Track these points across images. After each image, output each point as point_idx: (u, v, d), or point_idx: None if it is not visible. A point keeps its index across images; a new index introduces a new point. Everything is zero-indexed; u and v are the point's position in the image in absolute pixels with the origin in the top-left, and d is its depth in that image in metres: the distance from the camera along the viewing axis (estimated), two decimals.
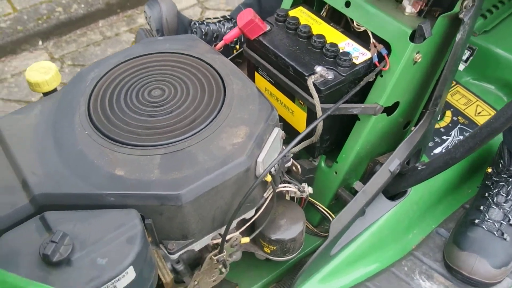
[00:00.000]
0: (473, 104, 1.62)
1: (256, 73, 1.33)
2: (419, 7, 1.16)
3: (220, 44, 1.28)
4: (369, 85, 1.21)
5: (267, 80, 1.30)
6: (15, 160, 0.99)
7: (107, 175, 0.94)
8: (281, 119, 1.32)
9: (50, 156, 0.99)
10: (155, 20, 1.48)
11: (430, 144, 1.50)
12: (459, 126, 1.56)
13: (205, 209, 0.96)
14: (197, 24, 1.59)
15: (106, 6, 3.03)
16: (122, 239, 0.87)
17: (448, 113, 1.59)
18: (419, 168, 1.25)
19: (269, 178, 1.02)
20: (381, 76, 1.18)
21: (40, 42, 2.86)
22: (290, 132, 1.25)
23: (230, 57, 1.36)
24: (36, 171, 0.96)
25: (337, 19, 1.36)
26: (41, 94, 1.13)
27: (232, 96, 1.07)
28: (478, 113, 1.59)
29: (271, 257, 1.21)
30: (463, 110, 1.61)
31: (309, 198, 1.33)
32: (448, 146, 1.51)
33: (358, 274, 1.33)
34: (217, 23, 1.63)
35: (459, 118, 1.58)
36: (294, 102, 1.24)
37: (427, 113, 1.22)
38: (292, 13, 1.32)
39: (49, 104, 1.09)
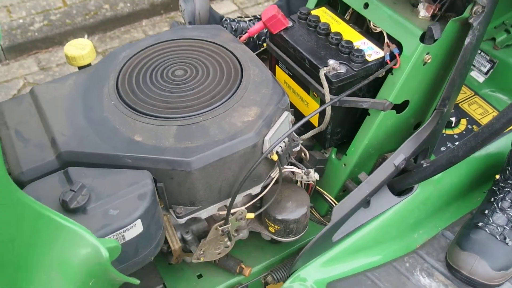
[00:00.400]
0: (489, 114, 1.66)
1: (276, 66, 1.42)
2: (432, 11, 1.22)
3: (245, 37, 1.37)
4: (382, 82, 1.28)
5: (286, 73, 1.38)
6: (47, 121, 1.10)
7: (126, 139, 1.04)
8: (296, 110, 1.40)
9: (78, 120, 1.09)
10: (188, 13, 1.59)
11: (442, 149, 1.55)
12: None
13: (212, 178, 1.05)
14: (228, 20, 1.69)
15: (151, 6, 3.18)
16: (134, 195, 0.96)
17: (463, 121, 1.63)
18: (424, 166, 1.30)
19: (275, 157, 1.10)
20: (392, 74, 1.25)
21: (86, 36, 3.03)
22: (304, 124, 1.33)
23: (256, 53, 1.44)
24: (64, 132, 1.07)
25: (360, 23, 1.43)
26: (77, 68, 1.25)
27: (248, 80, 1.16)
28: None
29: (275, 237, 1.28)
30: (479, 119, 1.65)
31: (318, 187, 1.40)
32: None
33: (359, 263, 1.38)
34: (247, 21, 1.72)
35: (474, 126, 1.62)
36: (308, 94, 1.32)
37: (434, 112, 1.28)
38: (314, 12, 1.40)
39: (82, 76, 1.20)
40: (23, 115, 1.13)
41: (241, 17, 1.78)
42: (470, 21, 1.16)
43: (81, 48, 1.22)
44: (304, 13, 1.37)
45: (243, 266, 1.31)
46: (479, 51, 1.76)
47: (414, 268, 1.44)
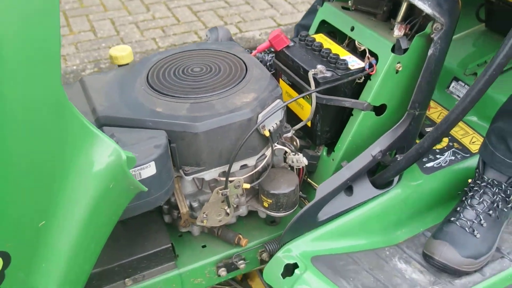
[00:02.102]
0: (469, 135, 1.89)
1: (280, 79, 1.71)
2: (404, 30, 1.51)
3: (254, 52, 1.68)
4: (363, 87, 1.55)
5: (287, 84, 1.68)
6: (90, 97, 1.41)
7: (149, 109, 1.34)
8: (293, 114, 1.68)
9: (114, 97, 1.40)
10: (212, 41, 1.92)
11: (424, 159, 1.77)
12: (453, 149, 1.82)
13: (214, 142, 1.32)
14: (250, 51, 2.02)
15: None
16: (151, 145, 1.25)
17: (446, 140, 1.86)
18: (398, 159, 1.54)
19: (267, 133, 1.37)
20: (370, 79, 1.52)
21: None
22: (294, 120, 1.61)
23: None
24: (102, 103, 1.38)
25: (352, 47, 1.73)
26: (117, 66, 1.58)
27: (250, 76, 1.46)
28: (473, 142, 1.85)
29: (268, 212, 1.52)
30: (460, 139, 1.88)
31: (309, 180, 1.64)
32: (440, 163, 1.77)
33: (343, 245, 1.58)
34: (262, 53, 2.04)
35: (455, 144, 1.85)
36: (304, 97, 1.60)
37: (406, 113, 1.53)
38: (312, 35, 1.71)
39: (121, 71, 1.53)
40: (72, 94, 1.45)
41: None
42: (432, 36, 1.44)
43: (122, 51, 1.55)
44: (303, 35, 1.68)
45: (241, 237, 1.53)
46: (463, 84, 2.02)
47: (393, 256, 1.63)
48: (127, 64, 1.57)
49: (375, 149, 1.52)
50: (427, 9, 1.38)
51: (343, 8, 1.70)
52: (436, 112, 2.00)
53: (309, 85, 1.52)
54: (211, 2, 4.27)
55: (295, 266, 1.47)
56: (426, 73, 1.48)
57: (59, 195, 1.01)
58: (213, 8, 4.17)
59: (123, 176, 1.04)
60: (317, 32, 1.78)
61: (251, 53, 1.70)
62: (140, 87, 1.43)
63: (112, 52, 1.55)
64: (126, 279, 1.44)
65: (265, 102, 1.38)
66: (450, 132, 1.90)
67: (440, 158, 1.79)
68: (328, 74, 1.51)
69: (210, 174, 1.38)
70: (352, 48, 1.65)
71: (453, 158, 1.80)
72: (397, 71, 1.51)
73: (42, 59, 0.87)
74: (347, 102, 1.52)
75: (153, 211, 1.56)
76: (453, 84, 2.05)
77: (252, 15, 4.07)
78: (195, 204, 1.47)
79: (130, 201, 1.20)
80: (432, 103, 2.05)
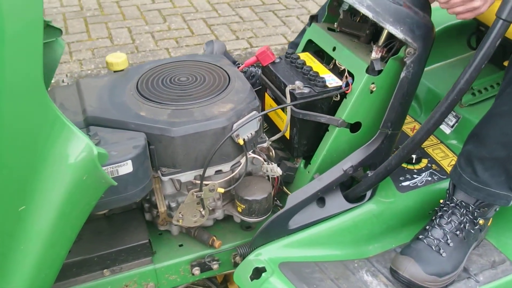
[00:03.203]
0: (449, 158, 1.96)
1: (265, 93, 1.81)
2: (380, 53, 1.59)
3: (242, 67, 1.79)
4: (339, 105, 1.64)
5: (271, 98, 1.77)
6: (83, 99, 1.53)
7: (134, 113, 1.45)
8: (274, 125, 1.77)
9: (104, 100, 1.52)
10: (208, 53, 2.03)
11: (400, 178, 1.84)
12: (430, 170, 1.89)
13: (190, 147, 1.42)
14: (239, 64, 2.12)
15: None
16: (130, 145, 1.35)
17: (425, 161, 1.93)
18: (369, 175, 1.61)
19: (241, 142, 1.46)
20: (346, 98, 1.61)
21: None
22: (277, 132, 1.70)
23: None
24: (92, 105, 1.49)
25: (336, 68, 1.82)
26: (113, 72, 1.69)
27: (231, 88, 1.56)
28: (451, 165, 1.92)
29: (241, 217, 1.61)
30: (439, 161, 1.95)
31: (285, 189, 1.73)
32: (416, 183, 1.84)
33: (312, 254, 1.65)
34: (256, 66, 2.15)
35: (433, 165, 1.92)
36: (283, 110, 1.69)
37: (378, 132, 1.61)
38: (298, 54, 1.80)
39: (115, 76, 1.65)
40: (68, 95, 1.57)
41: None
42: (404, 60, 1.53)
43: (117, 58, 1.67)
44: (289, 53, 1.78)
45: (214, 239, 1.62)
46: None
47: (361, 268, 1.70)
48: (122, 70, 1.68)
49: (346, 164, 1.60)
50: (399, 34, 1.47)
51: (329, 29, 1.80)
52: None
53: (286, 98, 1.61)
54: (226, 17, 4.40)
55: (264, 270, 1.55)
56: (399, 95, 1.56)
57: (37, 182, 1.12)
58: (227, 23, 4.30)
59: (94, 170, 1.14)
60: (304, 50, 1.87)
61: (239, 66, 1.80)
62: (129, 92, 1.54)
63: (108, 59, 1.67)
64: (104, 270, 1.54)
65: (241, 113, 1.48)
66: (430, 154, 1.98)
67: (417, 178, 1.86)
68: (306, 90, 1.60)
69: (186, 177, 1.48)
70: (336, 69, 1.74)
71: (429, 178, 1.86)
72: (371, 91, 1.59)
73: (22, 51, 0.98)
74: (323, 118, 1.61)
75: (135, 208, 1.67)
76: None
77: (264, 31, 4.19)
78: (173, 204, 1.57)
79: (108, 195, 1.31)
80: (417, 125, 2.13)
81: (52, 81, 1.77)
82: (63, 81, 1.81)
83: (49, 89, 1.63)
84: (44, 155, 1.10)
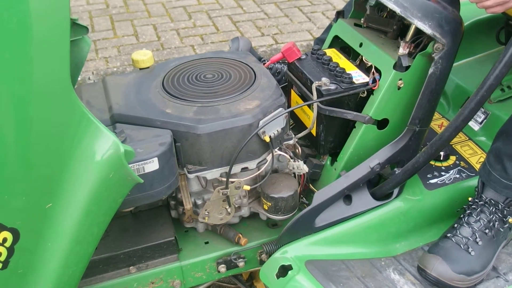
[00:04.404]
0: (478, 155, 1.92)
1: (291, 90, 1.80)
2: (408, 49, 1.57)
3: (268, 63, 1.78)
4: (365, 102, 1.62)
5: (298, 95, 1.76)
6: (109, 97, 1.54)
7: (160, 110, 1.45)
8: (301, 122, 1.76)
9: (130, 97, 1.52)
10: (233, 50, 2.03)
11: (428, 175, 1.81)
12: (458, 168, 1.86)
13: (216, 144, 1.42)
14: (265, 61, 2.11)
15: None
16: (156, 142, 1.36)
17: (453, 158, 1.90)
18: (396, 173, 1.59)
19: (267, 139, 1.45)
20: (373, 94, 1.59)
21: None
22: (303, 129, 1.69)
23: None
24: (118, 102, 1.50)
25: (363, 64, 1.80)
26: (138, 69, 1.70)
27: (257, 85, 1.55)
28: (479, 162, 1.88)
29: (268, 214, 1.60)
30: (467, 158, 1.91)
31: (311, 186, 1.72)
32: (444, 180, 1.81)
33: (338, 252, 1.63)
34: (281, 63, 2.13)
35: (461, 162, 1.89)
36: (309, 107, 1.68)
37: (406, 129, 1.59)
38: (324, 50, 1.79)
39: (141, 73, 1.65)
40: (94, 92, 1.58)
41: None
42: (433, 55, 1.50)
43: (143, 55, 1.68)
44: (315, 49, 1.76)
45: (240, 236, 1.62)
46: None
47: (388, 266, 1.68)
48: (148, 67, 1.69)
49: (374, 161, 1.58)
50: (427, 29, 1.44)
51: (356, 25, 1.78)
52: None
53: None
54: (251, 13, 4.39)
55: (290, 268, 1.54)
56: (427, 91, 1.54)
57: (64, 180, 1.13)
58: (252, 19, 4.30)
59: (121, 168, 1.15)
60: (330, 46, 1.86)
61: (265, 63, 1.79)
62: (155, 90, 1.55)
63: (134, 56, 1.67)
64: (131, 267, 1.55)
65: (267, 110, 1.47)
66: (458, 151, 1.94)
67: (445, 175, 1.83)
68: (332, 86, 1.58)
69: (212, 174, 1.48)
70: (363, 66, 1.72)
71: (457, 176, 1.83)
72: (399, 88, 1.57)
73: (50, 51, 0.99)
74: (349, 114, 1.59)
75: (161, 205, 1.68)
76: None
77: (289, 27, 4.17)
78: (199, 202, 1.57)
79: (134, 192, 1.32)
80: (445, 122, 2.09)
81: (79, 79, 1.79)
82: (89, 79, 1.82)
83: (75, 86, 1.65)
84: (71, 153, 1.11)
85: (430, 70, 1.51)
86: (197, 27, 4.19)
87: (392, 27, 1.68)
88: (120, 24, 4.19)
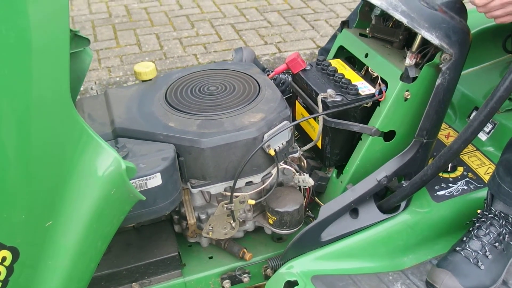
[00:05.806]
0: (485, 166, 1.89)
1: (296, 101, 1.77)
2: (415, 60, 1.54)
3: (272, 74, 1.75)
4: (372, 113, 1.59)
5: (302, 106, 1.73)
6: (111, 110, 1.51)
7: (163, 124, 1.43)
8: (306, 134, 1.73)
9: (132, 111, 1.50)
10: (237, 60, 2.01)
11: (436, 187, 1.78)
12: (466, 179, 1.83)
13: (220, 158, 1.39)
14: (269, 71, 2.09)
15: None
16: (159, 157, 1.33)
17: (460, 169, 1.87)
18: (404, 186, 1.56)
19: (272, 152, 1.43)
20: (379, 106, 1.56)
21: None
22: (308, 141, 1.66)
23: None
24: (120, 116, 1.48)
25: (368, 75, 1.77)
26: (141, 81, 1.68)
27: (262, 97, 1.53)
28: (488, 173, 1.85)
29: (273, 228, 1.57)
30: (475, 169, 1.88)
31: (317, 199, 1.69)
32: (452, 192, 1.78)
33: (345, 266, 1.60)
34: (285, 74, 2.11)
35: (469, 173, 1.85)
36: (315, 119, 1.65)
37: (413, 141, 1.56)
38: (329, 60, 1.76)
39: (143, 86, 1.63)
40: (96, 105, 1.56)
41: None
42: (440, 66, 1.47)
43: (146, 67, 1.65)
44: (320, 60, 1.74)
45: (245, 251, 1.59)
46: None
47: (396, 281, 1.65)
48: (150, 79, 1.67)
49: (381, 174, 1.55)
50: (434, 40, 1.42)
51: (361, 35, 1.75)
52: None
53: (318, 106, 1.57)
54: (254, 22, 4.37)
55: (295, 283, 1.51)
56: (434, 102, 1.51)
57: (65, 197, 1.10)
58: (255, 28, 4.28)
59: (122, 184, 1.12)
60: (335, 57, 1.83)
61: (269, 74, 1.77)
62: (158, 102, 1.52)
63: (136, 68, 1.65)
64: (133, 283, 1.52)
65: (272, 123, 1.44)
66: (465, 162, 1.91)
67: (452, 187, 1.80)
68: (338, 98, 1.56)
69: (216, 188, 1.45)
70: (369, 76, 1.69)
71: (466, 187, 1.80)
72: (405, 99, 1.54)
73: (49, 64, 0.97)
74: (356, 126, 1.56)
75: (164, 220, 1.65)
76: (474, 113, 2.06)
77: (292, 35, 4.15)
78: (203, 216, 1.54)
79: (137, 208, 1.29)
80: (452, 132, 2.06)
81: (81, 89, 1.77)
82: (91, 89, 1.80)
83: (77, 98, 1.62)
84: (71, 169, 1.08)
85: (438, 81, 1.48)
86: (200, 36, 4.17)
87: (398, 37, 1.66)
88: (123, 34, 4.18)
